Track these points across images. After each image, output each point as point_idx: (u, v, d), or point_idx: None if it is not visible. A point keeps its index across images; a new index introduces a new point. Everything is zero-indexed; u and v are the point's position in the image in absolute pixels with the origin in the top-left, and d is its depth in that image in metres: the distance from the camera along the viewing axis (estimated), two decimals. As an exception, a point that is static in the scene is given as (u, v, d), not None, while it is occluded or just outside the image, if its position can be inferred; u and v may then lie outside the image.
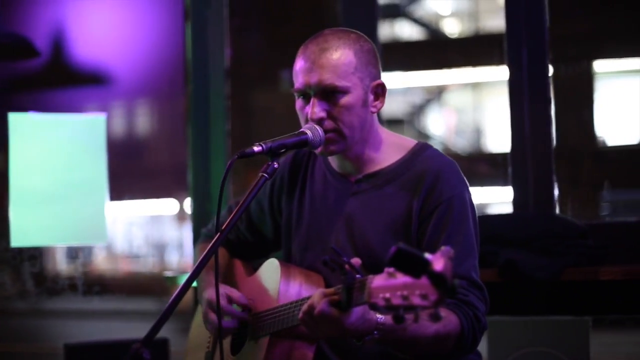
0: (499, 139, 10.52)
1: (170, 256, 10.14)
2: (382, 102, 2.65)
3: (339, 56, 2.56)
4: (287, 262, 2.80)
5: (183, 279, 4.21)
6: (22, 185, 4.38)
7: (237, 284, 2.90)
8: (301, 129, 2.56)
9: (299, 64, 2.60)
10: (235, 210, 2.43)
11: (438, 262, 1.85)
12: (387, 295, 1.94)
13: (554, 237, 3.81)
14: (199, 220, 4.71)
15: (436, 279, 1.86)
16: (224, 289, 2.74)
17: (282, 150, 2.51)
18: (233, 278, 2.94)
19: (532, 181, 4.20)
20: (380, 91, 2.64)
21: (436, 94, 11.34)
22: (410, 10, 10.86)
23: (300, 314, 2.32)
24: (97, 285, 5.54)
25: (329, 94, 2.55)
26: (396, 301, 1.92)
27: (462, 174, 2.65)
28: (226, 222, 2.41)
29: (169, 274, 4.88)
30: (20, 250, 5.35)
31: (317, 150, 2.59)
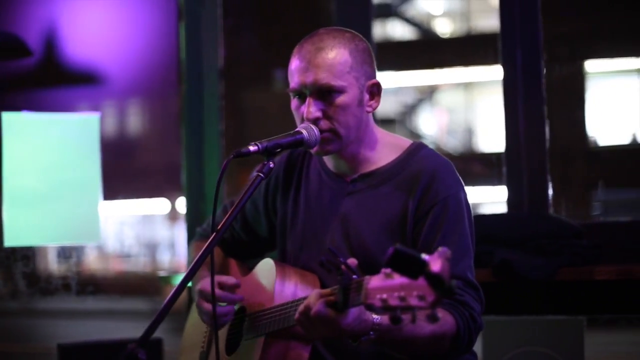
0: (490, 138, 10.53)
1: (162, 256, 10.11)
2: (378, 102, 2.65)
3: (335, 55, 2.55)
4: (282, 262, 2.79)
5: (177, 279, 4.22)
6: (15, 184, 4.36)
7: (232, 284, 2.90)
8: (297, 129, 2.55)
9: (295, 63, 2.59)
10: (231, 210, 2.43)
11: (435, 263, 1.85)
12: (384, 296, 1.94)
13: (548, 237, 3.81)
14: (193, 220, 4.70)
15: (433, 280, 1.86)
16: (216, 277, 2.72)
17: (278, 150, 2.51)
18: (227, 277, 2.94)
19: (526, 181, 4.21)
20: (375, 90, 2.64)
21: (428, 93, 11.34)
22: (402, 10, 10.86)
23: (297, 315, 2.32)
24: (90, 285, 5.53)
25: (324, 93, 2.55)
26: (393, 302, 1.92)
27: (458, 174, 2.64)
28: (222, 222, 2.41)
29: (162, 273, 4.87)
30: (14, 250, 5.34)
31: (313, 150, 2.58)
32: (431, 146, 2.74)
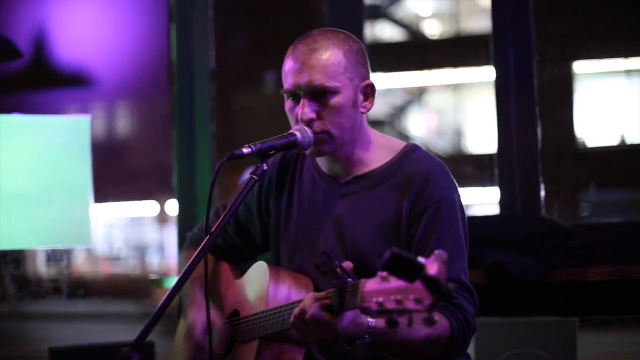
0: (480, 140, 10.54)
1: (151, 258, 10.10)
2: (372, 103, 2.65)
3: (329, 56, 2.55)
4: (276, 264, 2.78)
5: (168, 282, 4.20)
6: (6, 187, 4.34)
7: (224, 288, 2.89)
8: (290, 131, 2.55)
9: (288, 64, 2.59)
10: (224, 213, 2.43)
11: (432, 266, 1.85)
12: (381, 299, 1.94)
13: (540, 238, 3.82)
14: (185, 222, 4.68)
15: (430, 283, 1.85)
16: (203, 317, 2.73)
17: (272, 152, 2.51)
18: (219, 282, 2.93)
19: (518, 182, 4.21)
20: (369, 91, 2.63)
21: (417, 95, 11.34)
22: (391, 11, 10.85)
23: (292, 318, 2.31)
24: (81, 288, 5.51)
25: (318, 94, 2.54)
26: (390, 305, 1.92)
27: (452, 176, 2.64)
28: (215, 225, 2.40)
29: (153, 276, 4.86)
30: (5, 253, 5.31)
31: (307, 151, 2.58)
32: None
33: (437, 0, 11.26)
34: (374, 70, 2.71)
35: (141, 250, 10.16)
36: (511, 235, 3.86)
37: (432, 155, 2.69)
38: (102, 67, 6.27)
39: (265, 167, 2.48)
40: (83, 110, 6.67)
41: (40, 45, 5.97)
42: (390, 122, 10.94)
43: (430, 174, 2.58)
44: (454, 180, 2.64)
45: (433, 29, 11.43)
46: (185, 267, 2.33)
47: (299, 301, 2.36)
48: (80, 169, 4.36)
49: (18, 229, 4.31)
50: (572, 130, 7.02)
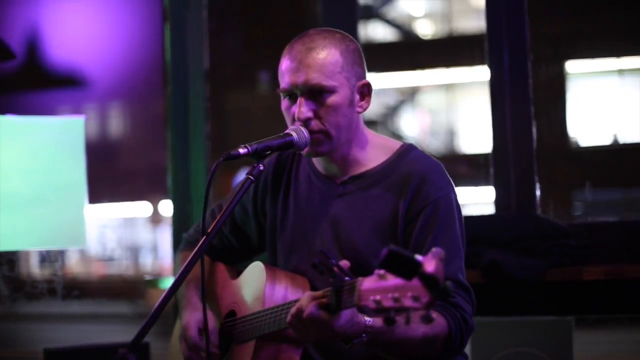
0: (472, 139, 10.55)
1: (144, 259, 10.09)
2: (368, 102, 2.65)
3: (326, 55, 2.55)
4: (272, 264, 2.78)
5: (163, 283, 4.20)
6: (0, 188, 4.32)
7: (221, 288, 2.89)
8: (286, 131, 2.54)
9: (285, 63, 2.58)
10: (220, 214, 2.42)
11: (430, 263, 1.85)
12: (378, 297, 1.94)
13: (536, 238, 3.82)
14: (179, 223, 4.67)
15: (428, 280, 1.85)
16: (198, 316, 2.73)
17: (268, 152, 2.51)
18: (216, 283, 2.92)
19: (514, 181, 4.21)
20: (366, 91, 2.64)
21: (409, 95, 11.35)
22: (383, 11, 10.86)
23: (289, 318, 2.31)
24: (75, 289, 5.50)
25: (315, 93, 2.54)
26: (387, 303, 1.92)
27: (448, 176, 2.64)
28: (211, 226, 2.40)
29: (148, 277, 4.85)
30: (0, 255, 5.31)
31: (304, 151, 2.58)
32: (414, 148, 2.74)
33: (430, 1, 11.27)
34: (366, 70, 2.72)
35: (134, 251, 10.16)
36: (507, 234, 3.87)
37: (429, 154, 2.69)
38: (96, 68, 6.27)
39: (261, 168, 2.47)
40: (76, 111, 6.66)
41: (33, 46, 5.95)
42: (383, 122, 10.94)
43: (427, 174, 2.58)
44: (450, 179, 2.64)
45: (425, 29, 11.44)
46: (182, 268, 2.33)
47: (296, 301, 2.36)
48: (75, 170, 4.34)
49: (12, 231, 4.29)
50: (565, 129, 7.03)
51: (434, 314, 2.36)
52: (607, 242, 3.96)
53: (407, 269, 1.86)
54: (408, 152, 2.65)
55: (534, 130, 4.24)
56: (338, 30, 2.65)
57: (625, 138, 7.24)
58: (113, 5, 6.22)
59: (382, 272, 1.95)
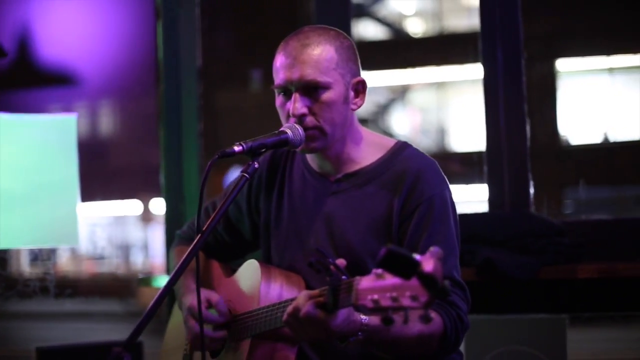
0: (463, 138, 10.56)
1: (135, 257, 10.07)
2: (363, 100, 2.65)
3: (321, 52, 2.55)
4: (266, 262, 2.77)
5: (156, 281, 4.19)
6: (-8, 187, 4.30)
7: (216, 286, 2.88)
8: (281, 128, 2.54)
9: (280, 60, 2.58)
10: (216, 211, 2.42)
11: (428, 262, 1.85)
12: (376, 296, 1.94)
13: (530, 236, 3.82)
14: (172, 221, 4.66)
15: (426, 280, 1.85)
16: (204, 292, 2.71)
17: (263, 150, 2.50)
18: (211, 280, 2.92)
19: (507, 180, 4.21)
20: (360, 88, 2.63)
21: (400, 93, 11.34)
22: (374, 10, 10.85)
23: (285, 316, 2.31)
24: (68, 287, 5.49)
25: (310, 89, 2.54)
26: (385, 303, 1.92)
27: (443, 173, 2.64)
28: (207, 224, 2.39)
29: (141, 275, 4.84)
30: (-8, 253, 5.29)
31: (298, 149, 2.57)
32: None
33: (420, -1, 11.28)
34: (357, 69, 2.71)
35: (125, 250, 10.14)
36: (501, 232, 3.87)
37: (423, 152, 2.69)
38: (87, 66, 6.24)
39: (256, 165, 2.47)
40: (67, 109, 6.63)
41: (24, 44, 5.93)
42: (374, 121, 10.94)
43: (421, 172, 2.58)
44: (445, 177, 2.64)
45: (416, 28, 11.43)
46: (177, 267, 2.32)
47: (292, 299, 2.36)
48: (67, 168, 4.33)
49: (5, 229, 4.27)
50: (555, 128, 7.04)
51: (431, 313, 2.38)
52: (601, 240, 3.97)
53: (406, 268, 1.85)
54: (402, 149, 2.65)
55: (528, 128, 4.25)
56: (332, 27, 2.65)
57: (616, 136, 7.25)
58: (105, 2, 6.20)
59: (379, 271, 1.95)
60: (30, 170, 4.30)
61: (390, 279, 1.92)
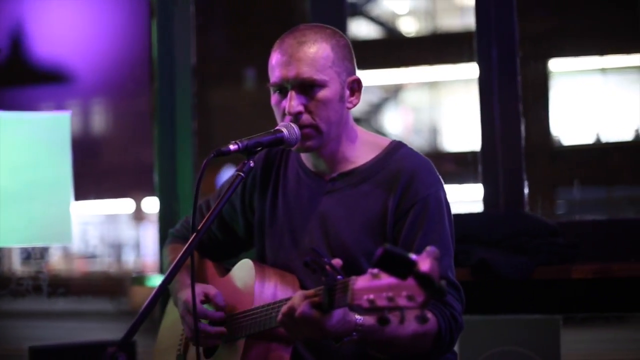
0: (456, 137, 10.56)
1: (127, 256, 10.06)
2: (358, 98, 2.64)
3: (317, 50, 2.54)
4: (260, 261, 2.77)
5: (149, 280, 4.17)
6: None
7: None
8: (277, 127, 2.53)
9: (276, 57, 2.57)
10: (211, 210, 2.41)
11: (424, 262, 1.84)
12: (372, 296, 1.93)
13: (525, 236, 3.82)
14: (166, 220, 4.65)
15: (423, 279, 1.84)
16: (200, 287, 2.70)
17: (258, 149, 2.49)
18: (205, 279, 2.91)
19: (502, 179, 4.21)
20: (356, 87, 2.63)
21: (393, 92, 11.35)
22: (367, 9, 10.85)
23: (280, 316, 2.30)
24: (61, 286, 5.47)
25: (306, 87, 2.53)
26: (381, 303, 1.91)
27: (437, 173, 2.64)
28: (202, 223, 2.38)
29: (134, 274, 4.83)
30: (-15, 252, 5.27)
31: (294, 148, 2.56)
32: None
33: (413, -2, 11.29)
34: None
35: (117, 248, 10.13)
36: (496, 232, 3.87)
37: (418, 152, 2.69)
38: (81, 64, 6.24)
39: (251, 164, 2.47)
40: (60, 107, 6.63)
41: (18, 42, 5.92)
42: (367, 120, 10.94)
43: (416, 171, 2.58)
44: (440, 177, 2.64)
45: (409, 27, 11.43)
46: (171, 267, 2.31)
47: (287, 299, 2.36)
48: (60, 166, 4.31)
49: (-3, 227, 4.26)
50: (548, 128, 7.05)
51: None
52: (596, 240, 3.97)
53: (402, 268, 1.85)
54: (397, 149, 2.65)
55: (522, 128, 4.25)
56: (328, 26, 2.65)
57: (609, 137, 7.26)
58: (99, 0, 6.19)
59: (375, 271, 1.94)
60: (23, 168, 4.28)
61: (386, 279, 1.91)
